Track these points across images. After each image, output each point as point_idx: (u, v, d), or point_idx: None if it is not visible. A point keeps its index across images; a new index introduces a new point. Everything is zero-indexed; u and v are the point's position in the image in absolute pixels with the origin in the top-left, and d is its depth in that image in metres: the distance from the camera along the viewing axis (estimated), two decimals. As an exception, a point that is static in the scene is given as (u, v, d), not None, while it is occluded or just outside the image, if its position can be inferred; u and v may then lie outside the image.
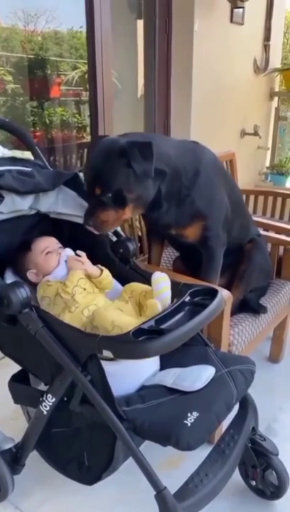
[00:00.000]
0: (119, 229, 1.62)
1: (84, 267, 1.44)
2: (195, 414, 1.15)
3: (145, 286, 1.41)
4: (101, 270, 1.47)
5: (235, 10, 3.18)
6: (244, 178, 2.99)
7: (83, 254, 1.47)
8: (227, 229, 1.82)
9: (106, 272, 1.48)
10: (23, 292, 1.18)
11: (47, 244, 1.47)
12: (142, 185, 1.50)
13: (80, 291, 1.37)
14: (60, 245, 1.51)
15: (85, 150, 3.43)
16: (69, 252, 1.50)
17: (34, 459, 1.45)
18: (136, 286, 1.42)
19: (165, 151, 1.58)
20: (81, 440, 1.31)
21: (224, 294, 1.51)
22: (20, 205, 1.42)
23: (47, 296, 1.37)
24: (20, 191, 1.39)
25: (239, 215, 1.91)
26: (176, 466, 1.61)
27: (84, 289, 1.39)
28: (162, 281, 1.34)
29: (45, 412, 1.29)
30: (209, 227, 1.74)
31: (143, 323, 1.14)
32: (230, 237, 1.84)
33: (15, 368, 1.45)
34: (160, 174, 1.56)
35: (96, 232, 1.50)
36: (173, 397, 1.24)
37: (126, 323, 1.23)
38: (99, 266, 1.48)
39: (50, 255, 1.46)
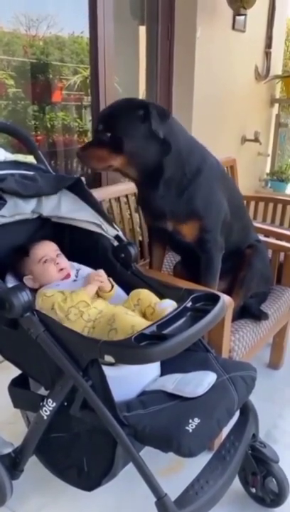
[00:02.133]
0: (120, 233, 1.62)
1: (102, 285, 1.44)
2: (197, 420, 1.15)
3: (154, 300, 1.39)
4: (112, 286, 1.47)
5: (237, 17, 3.20)
6: (245, 185, 2.99)
7: (102, 272, 1.46)
8: (227, 233, 1.82)
9: (116, 288, 1.48)
10: (25, 296, 1.18)
11: (45, 252, 1.45)
12: (145, 142, 1.59)
13: (75, 313, 1.33)
14: (59, 252, 1.50)
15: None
16: (88, 270, 1.51)
17: (32, 464, 1.44)
18: (145, 297, 1.40)
19: (179, 132, 1.68)
20: (80, 445, 1.30)
21: (225, 299, 1.51)
22: (22, 208, 1.42)
23: (44, 308, 1.34)
24: (22, 195, 1.39)
25: (239, 219, 1.91)
26: (176, 473, 1.60)
27: (81, 312, 1.34)
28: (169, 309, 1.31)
29: (45, 417, 1.28)
30: (206, 228, 1.74)
31: (145, 328, 1.14)
32: (230, 241, 1.85)
33: (14, 372, 1.45)
34: (166, 147, 1.62)
35: (82, 163, 1.67)
36: (174, 403, 1.23)
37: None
38: (111, 280, 1.48)
39: (48, 264, 1.44)
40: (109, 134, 1.57)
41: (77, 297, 1.35)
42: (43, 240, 1.51)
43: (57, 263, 1.46)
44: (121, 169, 1.66)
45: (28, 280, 1.43)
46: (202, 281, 1.78)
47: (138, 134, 1.58)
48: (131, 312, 1.35)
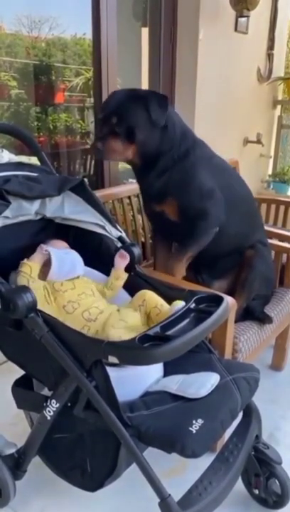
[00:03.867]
0: (123, 234, 1.62)
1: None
2: (200, 421, 1.15)
3: (160, 302, 1.39)
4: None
5: (240, 19, 3.20)
6: (247, 186, 3.00)
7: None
8: (224, 227, 1.84)
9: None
10: (29, 297, 1.18)
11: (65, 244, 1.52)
12: (151, 131, 1.69)
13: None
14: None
15: (89, 156, 3.46)
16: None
17: (35, 465, 1.44)
18: (151, 298, 1.40)
19: (175, 119, 1.77)
20: (84, 446, 1.31)
21: (228, 301, 1.51)
22: (26, 210, 1.43)
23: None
24: (26, 196, 1.40)
25: (239, 211, 1.92)
26: (179, 474, 1.60)
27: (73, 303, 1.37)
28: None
29: (49, 418, 1.29)
30: (185, 206, 1.79)
31: (149, 329, 1.14)
32: (229, 235, 1.86)
33: (16, 373, 1.45)
34: (165, 133, 1.72)
35: (99, 157, 1.71)
36: (177, 404, 1.23)
37: None
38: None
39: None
40: (123, 127, 1.65)
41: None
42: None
43: None
44: (131, 159, 1.74)
45: (41, 249, 1.44)
46: (181, 244, 1.85)
47: (146, 124, 1.67)
48: (118, 324, 1.32)
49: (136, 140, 1.68)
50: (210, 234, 1.82)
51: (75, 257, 1.48)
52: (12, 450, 1.47)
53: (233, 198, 1.88)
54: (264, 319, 1.89)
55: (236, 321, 1.74)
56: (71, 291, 1.39)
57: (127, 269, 1.56)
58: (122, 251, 1.52)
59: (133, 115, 1.66)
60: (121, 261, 1.50)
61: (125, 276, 1.51)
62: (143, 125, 1.67)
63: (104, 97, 2.49)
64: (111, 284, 1.49)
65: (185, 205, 1.78)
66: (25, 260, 1.40)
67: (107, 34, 2.41)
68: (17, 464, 1.43)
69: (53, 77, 3.54)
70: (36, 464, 1.44)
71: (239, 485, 1.51)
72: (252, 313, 1.90)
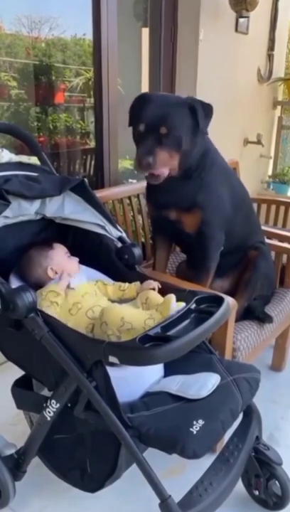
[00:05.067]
0: (124, 235, 1.62)
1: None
2: (201, 421, 1.15)
3: (161, 300, 1.38)
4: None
5: (240, 19, 3.20)
6: (247, 186, 2.98)
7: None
8: (229, 226, 1.84)
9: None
10: (29, 297, 1.17)
11: (66, 250, 1.49)
12: (195, 139, 1.63)
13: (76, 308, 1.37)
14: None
15: (88, 156, 3.45)
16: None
17: (34, 466, 1.44)
18: (154, 297, 1.39)
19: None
20: (84, 447, 1.30)
21: (229, 301, 1.51)
22: (26, 210, 1.42)
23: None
24: (27, 196, 1.39)
25: (242, 212, 1.92)
26: (179, 475, 1.59)
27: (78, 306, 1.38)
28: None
29: (49, 418, 1.28)
30: (205, 221, 1.76)
31: (150, 329, 1.14)
32: (233, 235, 1.86)
33: (15, 373, 1.45)
34: (202, 142, 1.69)
35: (145, 170, 1.57)
36: (178, 405, 1.23)
37: (137, 319, 1.23)
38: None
39: (72, 259, 1.48)
40: (172, 136, 1.57)
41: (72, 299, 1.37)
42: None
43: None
44: (175, 169, 1.67)
45: (50, 270, 1.43)
46: (195, 277, 1.80)
47: (192, 131, 1.62)
48: (123, 305, 1.35)
49: (182, 149, 1.61)
50: (216, 255, 1.84)
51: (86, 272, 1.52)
52: (12, 451, 1.47)
53: (238, 202, 1.89)
54: (264, 319, 1.89)
55: (236, 321, 1.73)
56: (74, 293, 1.40)
57: (129, 268, 1.56)
58: (152, 282, 1.46)
59: (183, 125, 1.59)
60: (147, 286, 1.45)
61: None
62: (190, 134, 1.62)
63: (105, 97, 2.49)
64: (125, 290, 1.48)
65: (206, 220, 1.76)
66: (51, 287, 1.37)
67: (108, 34, 2.40)
68: (17, 464, 1.43)
69: (53, 78, 3.53)
70: (36, 464, 1.43)
71: (240, 486, 1.50)
72: (253, 313, 1.90)
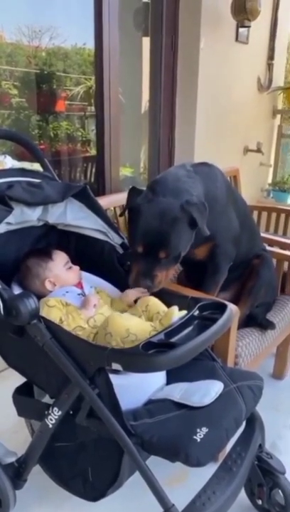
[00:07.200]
0: (126, 241, 1.61)
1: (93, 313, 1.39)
2: (205, 429, 1.14)
3: (162, 308, 1.39)
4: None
5: (240, 29, 3.22)
6: (247, 195, 2.99)
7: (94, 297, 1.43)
8: (236, 244, 1.83)
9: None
10: (32, 303, 1.17)
11: (67, 260, 1.48)
12: (191, 238, 1.56)
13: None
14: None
15: (89, 163, 3.46)
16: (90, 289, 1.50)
17: (35, 474, 1.42)
18: (154, 304, 1.39)
19: (191, 186, 1.60)
20: (86, 455, 1.29)
21: (232, 308, 1.50)
22: (28, 216, 1.42)
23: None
24: (29, 202, 1.39)
25: (246, 228, 1.92)
26: (181, 483, 1.58)
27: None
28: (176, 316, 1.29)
29: (51, 426, 1.27)
30: (217, 245, 1.75)
31: (153, 336, 1.13)
32: (239, 252, 1.85)
33: (16, 380, 1.43)
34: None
35: (145, 290, 1.49)
36: (181, 412, 1.22)
37: (142, 330, 1.23)
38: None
39: (71, 271, 1.47)
40: (172, 257, 1.50)
41: (74, 322, 1.34)
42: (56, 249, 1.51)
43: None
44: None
45: (48, 283, 1.43)
46: (202, 286, 1.78)
47: (190, 238, 1.56)
48: (127, 315, 1.34)
49: (181, 258, 1.56)
50: (227, 268, 1.83)
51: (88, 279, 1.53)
52: (12, 459, 1.45)
53: (242, 218, 1.89)
54: (267, 325, 1.89)
55: (238, 328, 1.73)
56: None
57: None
58: (89, 297, 1.41)
59: (182, 239, 1.51)
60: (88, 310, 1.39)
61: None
62: (188, 242, 1.55)
63: (106, 106, 2.50)
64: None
65: (217, 244, 1.75)
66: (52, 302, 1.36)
67: (109, 43, 2.42)
68: (17, 473, 1.41)
69: (54, 86, 3.56)
70: (36, 472, 1.42)
71: (242, 495, 1.49)
72: (255, 320, 1.89)
